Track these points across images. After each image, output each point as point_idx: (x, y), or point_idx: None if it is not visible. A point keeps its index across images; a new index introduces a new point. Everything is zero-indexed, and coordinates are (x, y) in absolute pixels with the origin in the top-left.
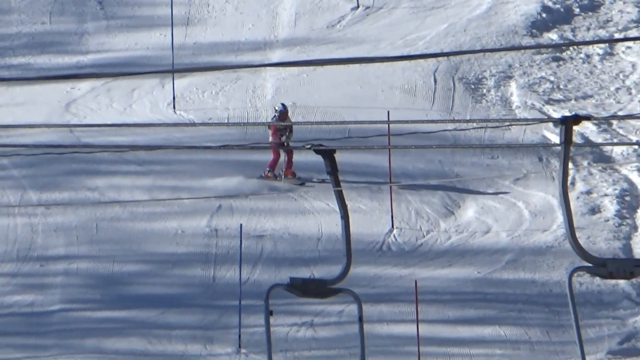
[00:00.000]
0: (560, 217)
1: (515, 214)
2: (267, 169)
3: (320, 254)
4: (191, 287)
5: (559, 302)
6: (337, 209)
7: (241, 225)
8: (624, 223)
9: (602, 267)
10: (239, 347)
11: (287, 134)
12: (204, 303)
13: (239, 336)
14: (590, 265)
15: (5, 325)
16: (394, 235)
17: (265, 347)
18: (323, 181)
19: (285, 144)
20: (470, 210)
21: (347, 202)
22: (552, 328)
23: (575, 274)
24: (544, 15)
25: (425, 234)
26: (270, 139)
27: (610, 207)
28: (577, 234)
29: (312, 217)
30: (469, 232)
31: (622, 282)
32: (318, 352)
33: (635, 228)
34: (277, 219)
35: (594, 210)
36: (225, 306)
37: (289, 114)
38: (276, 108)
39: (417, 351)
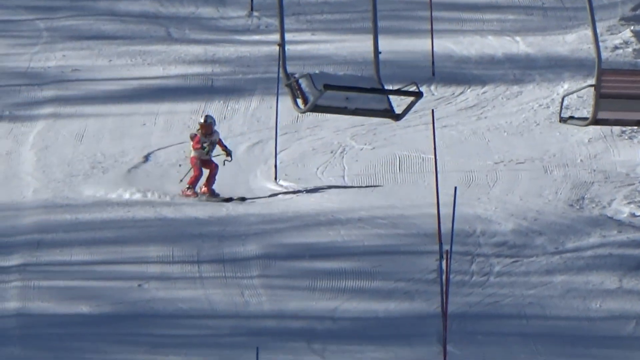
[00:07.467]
0: None
1: None
2: (187, 186)
3: None
4: None
5: None
6: None
7: None
8: None
9: None
10: (251, 9)
11: (209, 146)
12: None
13: None
14: None
15: None
16: None
17: (277, 10)
18: (243, 199)
19: (208, 155)
20: None
21: None
22: None
23: None
24: None
25: None
26: (192, 153)
27: None
28: None
29: None
30: None
31: None
32: (330, 16)
33: None
34: None
35: None
36: None
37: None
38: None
39: (429, 16)
